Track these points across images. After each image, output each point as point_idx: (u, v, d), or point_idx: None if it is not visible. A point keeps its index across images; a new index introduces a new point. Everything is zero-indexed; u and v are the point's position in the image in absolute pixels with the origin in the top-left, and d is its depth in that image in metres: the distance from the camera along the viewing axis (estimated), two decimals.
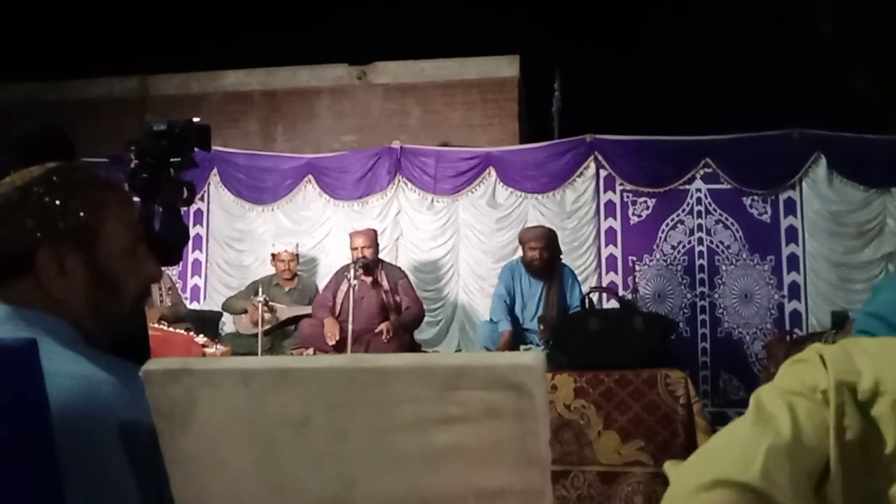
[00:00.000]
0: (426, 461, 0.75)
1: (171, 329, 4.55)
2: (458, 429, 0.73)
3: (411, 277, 5.54)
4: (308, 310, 5.32)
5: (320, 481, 0.77)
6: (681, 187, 5.96)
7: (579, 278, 5.27)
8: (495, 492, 0.74)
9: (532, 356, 0.71)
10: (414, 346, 5.18)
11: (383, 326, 4.97)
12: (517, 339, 4.89)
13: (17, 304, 1.09)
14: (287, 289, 5.62)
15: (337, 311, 5.11)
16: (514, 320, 4.96)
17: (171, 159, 2.54)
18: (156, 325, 4.39)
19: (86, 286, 1.13)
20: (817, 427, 0.85)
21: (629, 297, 5.76)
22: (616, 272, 6.01)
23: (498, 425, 0.72)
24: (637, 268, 6.01)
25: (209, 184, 6.47)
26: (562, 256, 5.11)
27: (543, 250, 4.90)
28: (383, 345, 4.90)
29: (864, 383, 0.85)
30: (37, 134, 2.06)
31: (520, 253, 5.12)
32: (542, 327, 4.62)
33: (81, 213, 1.12)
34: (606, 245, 6.05)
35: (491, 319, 5.03)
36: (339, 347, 4.82)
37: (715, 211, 5.94)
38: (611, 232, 6.06)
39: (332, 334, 4.94)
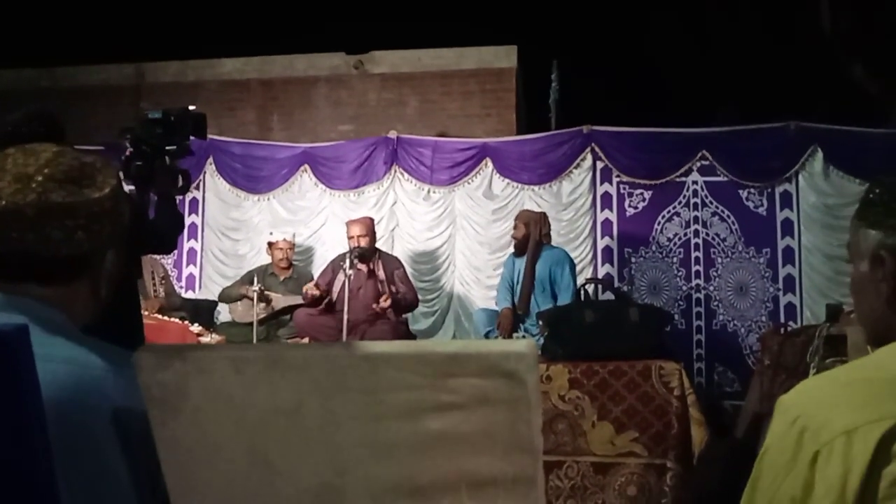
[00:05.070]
0: (418, 448, 0.75)
1: (165, 318, 4.55)
2: (450, 416, 0.73)
3: (407, 268, 5.54)
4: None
5: (312, 468, 0.77)
6: (677, 179, 5.95)
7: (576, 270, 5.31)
8: (487, 479, 0.74)
9: (524, 344, 0.71)
10: (409, 337, 5.18)
11: (381, 299, 5.02)
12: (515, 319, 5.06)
13: (62, 306, 1.10)
14: (282, 278, 5.61)
15: (333, 301, 5.10)
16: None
17: (167, 147, 2.52)
18: (151, 314, 4.38)
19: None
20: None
21: (624, 288, 5.76)
22: (612, 264, 6.01)
23: (490, 413, 0.72)
24: (633, 260, 6.00)
25: (205, 172, 6.43)
26: (549, 235, 5.26)
27: (516, 229, 5.20)
28: (379, 334, 4.90)
29: None
30: (27, 120, 2.02)
31: None
32: (541, 323, 4.65)
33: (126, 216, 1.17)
34: (602, 237, 6.05)
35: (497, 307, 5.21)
36: (335, 336, 4.83)
37: (711, 203, 5.94)
38: (607, 223, 6.06)
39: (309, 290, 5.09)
